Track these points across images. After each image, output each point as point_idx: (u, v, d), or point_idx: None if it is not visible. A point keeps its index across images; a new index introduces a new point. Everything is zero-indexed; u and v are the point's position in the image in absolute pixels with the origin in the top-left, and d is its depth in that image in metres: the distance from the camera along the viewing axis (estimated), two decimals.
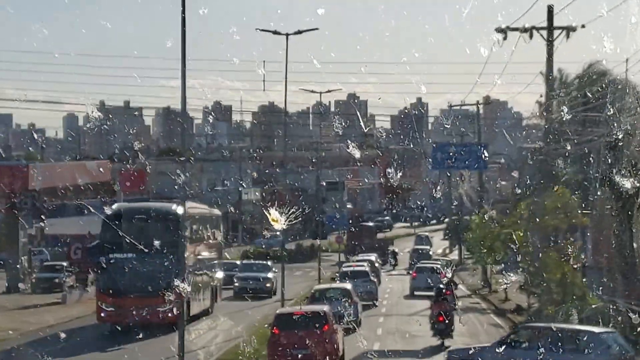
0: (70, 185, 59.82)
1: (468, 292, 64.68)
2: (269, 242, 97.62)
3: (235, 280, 59.67)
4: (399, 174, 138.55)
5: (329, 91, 66.54)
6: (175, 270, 38.76)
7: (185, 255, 39.43)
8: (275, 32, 47.16)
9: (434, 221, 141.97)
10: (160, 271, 39.79)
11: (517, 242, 40.77)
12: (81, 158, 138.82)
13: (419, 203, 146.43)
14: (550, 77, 42.06)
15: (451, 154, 57.09)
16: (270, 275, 60.74)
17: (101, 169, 63.76)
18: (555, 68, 52.65)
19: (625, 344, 25.02)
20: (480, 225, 60.17)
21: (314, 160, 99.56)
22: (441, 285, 42.91)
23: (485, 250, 60.05)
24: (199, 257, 46.70)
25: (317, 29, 48.20)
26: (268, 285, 59.87)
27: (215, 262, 51.39)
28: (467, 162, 59.22)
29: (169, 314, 39.46)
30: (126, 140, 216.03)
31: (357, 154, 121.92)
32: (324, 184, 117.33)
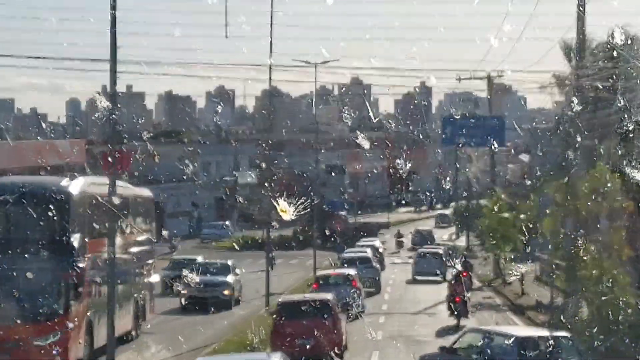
0: (39, 167, 52.06)
1: (479, 283, 57.38)
2: (215, 232, 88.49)
3: (182, 287, 45.28)
4: (408, 164, 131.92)
5: (324, 62, 59.18)
6: (66, 280, 25.83)
7: (86, 257, 26.94)
8: None
9: (439, 205, 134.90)
10: (40, 282, 25.67)
11: (546, 230, 33.56)
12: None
13: (427, 194, 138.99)
14: (582, 35, 35.07)
15: (463, 128, 49.30)
16: (229, 279, 45.37)
17: (75, 149, 56.25)
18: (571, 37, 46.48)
19: (575, 350, 21.96)
20: (494, 210, 52.78)
21: (316, 146, 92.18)
22: (458, 267, 43.02)
23: (494, 241, 53.14)
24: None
25: None
26: (226, 292, 44.83)
27: (148, 262, 37.06)
28: (481, 138, 51.24)
29: (57, 349, 25.35)
30: (130, 125, 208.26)
31: (366, 144, 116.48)
32: (324, 167, 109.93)
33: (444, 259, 60.90)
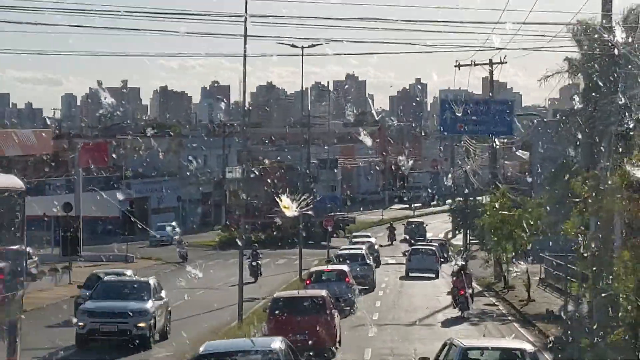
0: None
1: (479, 287, 51.59)
2: (163, 234, 78.38)
3: (79, 317, 31.31)
4: (409, 162, 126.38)
5: (312, 45, 53.17)
6: None
7: None
8: None
9: (434, 202, 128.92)
10: None
11: (569, 232, 27.87)
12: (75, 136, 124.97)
13: (425, 191, 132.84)
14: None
15: (465, 114, 42.84)
16: (148, 305, 31.32)
17: (37, 139, 50.10)
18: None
19: None
20: (498, 208, 46.74)
21: (307, 137, 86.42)
22: (462, 262, 44.31)
23: (497, 240, 47.26)
24: None
25: None
26: (142, 325, 30.51)
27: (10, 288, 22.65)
28: (486, 125, 44.82)
29: None
30: (125, 119, 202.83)
31: (368, 141, 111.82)
32: (316, 161, 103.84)
33: (437, 255, 59.98)
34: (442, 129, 47.60)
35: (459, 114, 42.29)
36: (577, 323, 33.83)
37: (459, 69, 53.44)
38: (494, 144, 54.29)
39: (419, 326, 36.61)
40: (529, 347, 19.93)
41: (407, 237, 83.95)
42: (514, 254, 48.84)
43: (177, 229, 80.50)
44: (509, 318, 39.61)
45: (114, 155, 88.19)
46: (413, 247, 63.47)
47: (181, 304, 43.27)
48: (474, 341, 22.35)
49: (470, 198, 79.35)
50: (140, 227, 70.38)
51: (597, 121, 32.45)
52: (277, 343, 18.97)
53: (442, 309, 42.05)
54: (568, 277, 36.43)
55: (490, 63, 53.63)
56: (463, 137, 67.83)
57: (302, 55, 53.31)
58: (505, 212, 47.18)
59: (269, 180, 72.25)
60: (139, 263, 65.46)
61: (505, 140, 67.78)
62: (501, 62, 53.06)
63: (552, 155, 59.88)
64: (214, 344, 20.94)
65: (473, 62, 53.71)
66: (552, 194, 46.84)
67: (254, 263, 52.30)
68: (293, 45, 52.50)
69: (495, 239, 47.72)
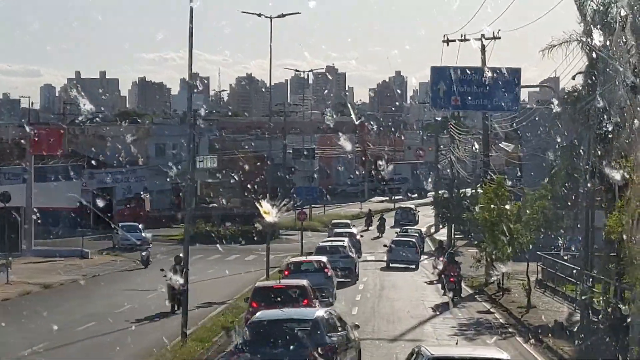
0: None
1: (469, 290, 44.74)
2: (139, 237, 63.93)
3: None
4: (388, 166, 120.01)
5: (282, 15, 46.24)
6: None
7: None
8: None
9: (416, 195, 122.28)
10: None
11: (613, 230, 21.58)
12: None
13: (404, 185, 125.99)
14: None
15: (463, 84, 35.56)
16: None
17: None
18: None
19: None
20: (495, 200, 39.63)
21: (273, 126, 79.61)
22: (452, 251, 46.05)
23: (492, 236, 40.30)
24: None
25: None
26: None
27: None
28: (486, 99, 37.44)
29: None
30: (99, 110, 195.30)
31: (348, 146, 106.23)
32: (292, 151, 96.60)
33: (418, 247, 59.19)
34: (433, 101, 39.81)
35: (454, 86, 35.24)
36: (599, 340, 27.36)
37: (447, 45, 46.33)
38: (488, 123, 47.38)
39: (404, 342, 29.58)
40: (504, 356, 17.58)
41: (397, 222, 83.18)
42: (510, 253, 41.79)
43: (143, 234, 68.89)
44: (510, 330, 32.69)
45: (78, 144, 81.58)
46: (394, 238, 61.73)
47: (126, 310, 36.70)
48: (443, 349, 20.75)
49: (455, 190, 72.96)
50: (105, 223, 63.40)
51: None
52: (321, 312, 20.66)
53: (429, 317, 35.23)
54: (579, 282, 29.75)
55: (482, 38, 46.60)
56: (451, 118, 61.02)
57: (271, 25, 46.17)
58: (495, 206, 40.30)
59: (235, 171, 65.45)
60: (94, 259, 58.62)
61: (494, 131, 61.04)
62: (494, 37, 46.01)
63: (543, 146, 53.57)
64: (265, 312, 22.16)
65: (463, 36, 46.77)
66: (555, 186, 40.20)
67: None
68: (260, 15, 45.71)
69: (491, 237, 40.56)
